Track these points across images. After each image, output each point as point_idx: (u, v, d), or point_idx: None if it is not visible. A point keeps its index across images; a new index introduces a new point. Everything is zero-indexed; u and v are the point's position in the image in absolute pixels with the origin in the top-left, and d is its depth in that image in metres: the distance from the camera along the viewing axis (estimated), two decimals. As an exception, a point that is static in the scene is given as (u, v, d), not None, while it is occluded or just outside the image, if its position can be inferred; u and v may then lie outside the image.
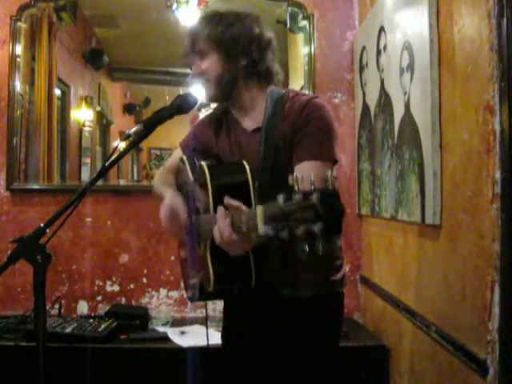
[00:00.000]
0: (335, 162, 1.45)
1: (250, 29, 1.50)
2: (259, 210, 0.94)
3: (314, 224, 0.75)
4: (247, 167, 1.39)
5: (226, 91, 1.50)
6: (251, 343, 1.58)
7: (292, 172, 1.36)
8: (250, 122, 1.54)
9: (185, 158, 1.61)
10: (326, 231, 0.74)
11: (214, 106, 1.69)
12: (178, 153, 1.74)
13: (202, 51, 1.50)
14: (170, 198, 1.55)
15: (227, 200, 1.16)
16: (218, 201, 1.23)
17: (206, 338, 1.68)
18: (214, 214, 1.25)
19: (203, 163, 1.42)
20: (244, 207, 1.14)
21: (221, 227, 1.16)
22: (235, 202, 1.15)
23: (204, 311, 2.65)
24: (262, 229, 0.92)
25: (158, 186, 1.70)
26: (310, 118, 1.42)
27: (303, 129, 1.42)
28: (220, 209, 1.18)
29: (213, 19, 1.50)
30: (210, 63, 1.49)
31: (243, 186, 1.35)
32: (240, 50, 1.48)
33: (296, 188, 0.84)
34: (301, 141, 1.42)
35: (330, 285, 1.54)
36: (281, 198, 0.86)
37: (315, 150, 1.40)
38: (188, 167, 1.56)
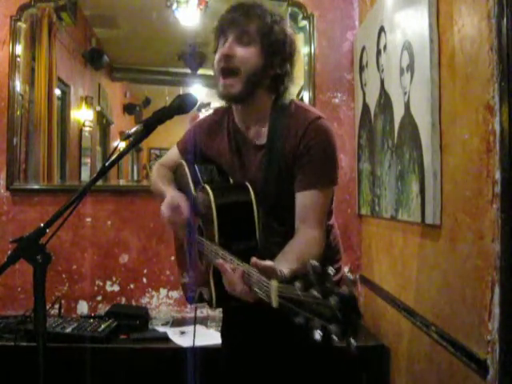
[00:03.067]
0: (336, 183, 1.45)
1: (293, 36, 1.46)
2: (274, 286, 0.92)
3: (330, 323, 0.76)
4: (251, 192, 1.38)
5: (249, 91, 1.41)
6: (249, 344, 1.58)
7: (292, 199, 1.40)
8: (254, 133, 1.50)
9: (185, 165, 1.60)
10: (341, 333, 0.75)
11: (213, 106, 1.67)
12: (174, 152, 1.72)
13: (248, 37, 1.38)
14: (173, 193, 1.55)
15: (255, 260, 1.06)
16: (223, 226, 1.33)
17: (205, 338, 1.68)
18: (219, 247, 1.27)
19: (207, 186, 1.41)
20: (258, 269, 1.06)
21: (233, 279, 1.12)
22: (261, 263, 1.07)
23: (204, 311, 2.66)
24: (276, 303, 0.91)
25: (157, 181, 1.69)
26: (311, 144, 1.39)
27: (304, 156, 1.39)
28: (222, 263, 1.15)
29: (264, 13, 1.41)
30: (251, 53, 1.38)
31: (247, 212, 1.36)
32: (281, 56, 1.42)
33: (312, 278, 0.81)
34: (302, 168, 1.40)
35: None
36: (298, 285, 0.83)
37: (316, 178, 1.39)
38: (189, 178, 1.55)
